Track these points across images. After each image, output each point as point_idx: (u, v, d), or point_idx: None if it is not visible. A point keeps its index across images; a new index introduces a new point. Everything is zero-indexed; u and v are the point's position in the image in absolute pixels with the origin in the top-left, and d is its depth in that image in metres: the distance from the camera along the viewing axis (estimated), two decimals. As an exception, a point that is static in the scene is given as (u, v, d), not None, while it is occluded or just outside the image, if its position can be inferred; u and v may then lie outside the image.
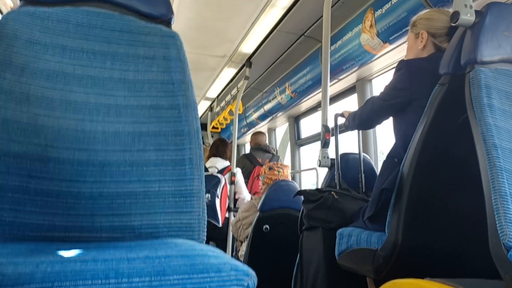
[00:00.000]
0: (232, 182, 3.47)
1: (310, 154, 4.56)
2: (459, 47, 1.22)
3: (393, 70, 1.58)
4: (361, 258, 1.49)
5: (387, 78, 2.93)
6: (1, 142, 0.81)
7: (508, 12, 1.19)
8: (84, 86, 0.93)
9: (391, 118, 1.65)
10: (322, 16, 2.31)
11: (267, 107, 4.40)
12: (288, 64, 3.70)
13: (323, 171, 2.20)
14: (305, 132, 4.55)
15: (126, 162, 0.89)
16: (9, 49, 0.89)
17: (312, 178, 4.11)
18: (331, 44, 2.64)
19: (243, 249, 2.82)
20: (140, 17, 1.04)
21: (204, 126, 5.42)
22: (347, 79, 3.16)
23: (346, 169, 1.91)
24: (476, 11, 1.19)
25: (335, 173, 1.88)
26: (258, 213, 2.63)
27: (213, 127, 5.43)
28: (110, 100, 0.93)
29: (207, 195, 3.14)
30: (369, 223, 1.54)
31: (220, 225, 3.28)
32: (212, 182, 3.24)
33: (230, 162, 3.60)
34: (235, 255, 3.19)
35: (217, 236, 3.34)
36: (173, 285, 0.54)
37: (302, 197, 1.91)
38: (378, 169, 1.99)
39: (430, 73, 1.45)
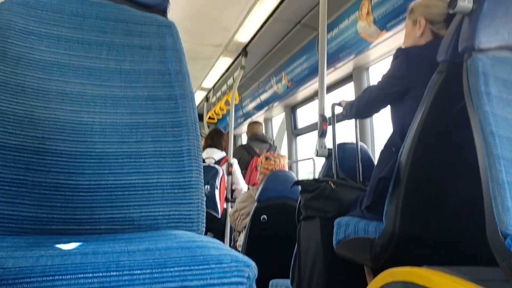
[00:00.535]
0: (229, 173, 3.47)
1: (307, 144, 4.56)
2: (456, 34, 1.21)
3: (390, 58, 1.58)
4: (359, 247, 1.50)
5: (384, 66, 2.92)
6: None
7: None
8: (80, 77, 0.92)
9: (388, 107, 1.65)
10: (318, 3, 2.30)
11: (264, 97, 4.38)
12: (284, 53, 3.68)
13: (320, 161, 2.20)
14: (302, 122, 4.54)
15: (124, 153, 0.88)
16: (3, 40, 0.88)
17: (309, 168, 4.12)
18: (328, 32, 2.62)
19: (241, 240, 2.83)
20: (135, 6, 1.02)
21: (200, 117, 5.40)
22: (344, 68, 3.15)
23: (343, 159, 1.92)
24: None
25: (333, 162, 1.88)
26: (255, 203, 2.64)
27: (210, 118, 5.42)
28: (106, 91, 0.92)
29: (206, 186, 3.15)
30: (366, 212, 1.55)
31: (220, 216, 3.29)
32: (210, 173, 3.24)
33: (226, 152, 3.60)
34: (233, 246, 3.21)
35: (215, 226, 3.35)
36: (174, 277, 0.54)
37: (299, 187, 1.91)
38: (375, 158, 2.00)
39: (428, 61, 1.45)
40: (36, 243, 0.66)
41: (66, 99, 0.89)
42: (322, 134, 2.05)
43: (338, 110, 1.94)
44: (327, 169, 1.96)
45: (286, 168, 2.94)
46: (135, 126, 0.91)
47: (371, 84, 1.73)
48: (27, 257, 0.54)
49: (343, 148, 1.98)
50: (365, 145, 2.10)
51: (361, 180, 1.87)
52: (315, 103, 4.12)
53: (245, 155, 3.90)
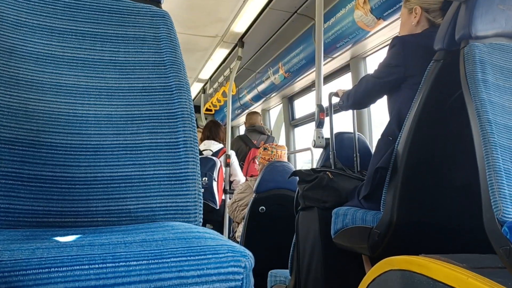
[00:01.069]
0: (227, 164, 3.47)
1: (304, 134, 4.56)
2: (453, 22, 1.21)
3: (388, 47, 1.57)
4: (357, 236, 1.51)
5: (381, 55, 2.91)
6: None
7: None
8: (74, 69, 0.91)
9: (385, 97, 1.64)
10: (315, -7, 2.28)
11: (261, 87, 4.37)
12: (281, 43, 3.66)
13: (318, 151, 2.20)
14: (299, 113, 4.54)
15: (119, 145, 0.88)
16: None
17: (307, 158, 4.12)
18: (324, 22, 2.61)
19: (239, 230, 2.84)
20: None
21: (197, 109, 5.39)
22: (341, 58, 3.14)
23: (340, 149, 1.92)
24: None
25: (330, 152, 1.88)
26: (254, 194, 2.65)
27: (207, 109, 5.40)
28: (101, 82, 0.92)
29: (204, 178, 3.15)
30: (364, 202, 1.55)
31: (218, 207, 3.30)
32: (208, 165, 3.24)
33: (224, 144, 3.59)
34: (232, 237, 3.23)
35: (214, 218, 3.36)
36: (170, 267, 0.54)
37: (297, 178, 1.91)
38: (372, 148, 2.00)
39: (425, 49, 1.44)
40: (33, 236, 0.66)
41: (61, 92, 0.88)
42: (320, 124, 2.04)
43: (336, 100, 1.94)
44: (324, 159, 1.96)
45: (285, 159, 2.94)
46: (130, 117, 0.90)
47: (371, 72, 1.73)
48: (23, 250, 0.53)
49: (340, 138, 1.98)
50: (362, 135, 2.10)
51: (358, 169, 1.87)
52: (312, 94, 4.12)
53: (243, 147, 3.89)
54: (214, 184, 3.24)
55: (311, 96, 4.20)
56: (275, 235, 2.55)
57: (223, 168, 3.43)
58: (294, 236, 1.96)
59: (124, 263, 0.52)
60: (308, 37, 3.24)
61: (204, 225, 0.88)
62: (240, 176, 3.61)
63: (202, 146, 3.54)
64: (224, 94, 4.56)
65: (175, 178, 0.88)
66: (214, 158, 3.37)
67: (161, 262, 0.54)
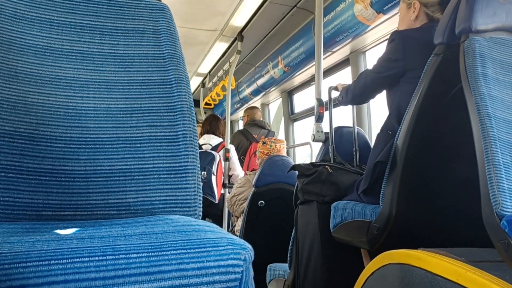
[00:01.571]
0: (226, 159, 3.47)
1: (303, 128, 4.56)
2: (453, 16, 1.20)
3: (386, 42, 1.56)
4: (356, 230, 1.51)
5: (381, 49, 2.90)
6: None
7: None
8: (73, 62, 0.91)
9: (384, 91, 1.64)
10: (314, -14, 2.26)
11: (260, 82, 4.36)
12: (281, 37, 3.64)
13: (317, 146, 2.20)
14: (298, 107, 4.53)
15: (119, 139, 0.88)
16: None
17: (306, 152, 4.12)
18: (324, 16, 2.60)
19: (239, 224, 2.85)
20: None
21: (196, 103, 5.38)
22: (341, 52, 3.13)
23: (340, 143, 1.92)
24: None
25: (329, 146, 1.88)
26: (253, 188, 2.65)
27: (206, 103, 5.40)
28: (100, 75, 0.91)
29: (203, 172, 3.15)
30: (363, 196, 1.56)
31: (217, 201, 3.31)
32: (207, 159, 3.24)
33: (223, 138, 3.59)
34: (231, 231, 3.23)
35: (213, 212, 3.37)
36: (170, 260, 0.54)
37: (296, 172, 1.92)
38: (372, 142, 2.00)
39: (424, 44, 1.44)
40: (32, 229, 0.66)
41: (60, 85, 0.88)
42: (319, 119, 2.04)
43: (335, 94, 1.94)
44: (324, 153, 1.96)
45: (284, 153, 2.94)
46: (129, 111, 0.90)
47: (369, 67, 1.73)
48: (23, 242, 0.54)
49: (340, 132, 1.98)
50: (361, 129, 2.10)
51: (358, 163, 1.88)
52: (311, 89, 4.11)
53: (243, 141, 3.88)
54: (213, 178, 3.25)
55: (310, 91, 4.20)
56: (274, 229, 2.56)
57: (222, 163, 3.44)
58: (293, 230, 1.97)
59: (124, 256, 0.52)
60: (307, 31, 3.22)
61: (203, 219, 0.88)
62: (239, 171, 3.62)
63: (201, 140, 3.54)
64: (223, 88, 4.55)
65: (175, 171, 0.88)
66: (213, 152, 3.37)
67: (161, 255, 0.54)
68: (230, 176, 3.58)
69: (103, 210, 0.83)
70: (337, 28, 2.76)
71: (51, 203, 0.81)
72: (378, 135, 1.53)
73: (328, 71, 3.51)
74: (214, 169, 3.26)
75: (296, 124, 4.58)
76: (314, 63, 2.33)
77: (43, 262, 0.49)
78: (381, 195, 1.40)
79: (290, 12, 3.23)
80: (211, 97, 5.03)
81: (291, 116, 4.55)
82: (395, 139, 1.38)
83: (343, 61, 3.33)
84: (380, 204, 1.40)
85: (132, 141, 0.88)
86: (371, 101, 1.81)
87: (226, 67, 4.36)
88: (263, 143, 2.92)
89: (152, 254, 0.54)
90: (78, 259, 0.50)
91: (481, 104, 1.02)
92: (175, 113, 0.92)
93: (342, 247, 1.68)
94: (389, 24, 2.54)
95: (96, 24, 0.95)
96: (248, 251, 0.58)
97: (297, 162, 3.59)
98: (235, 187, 3.03)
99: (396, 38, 1.50)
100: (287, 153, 4.11)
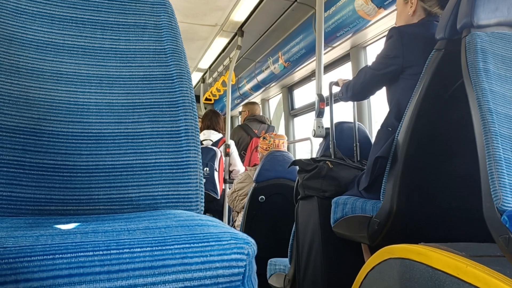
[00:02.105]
0: (226, 154, 3.47)
1: (304, 124, 4.56)
2: (455, 11, 1.20)
3: (385, 38, 1.56)
4: (356, 225, 1.52)
5: (382, 45, 2.90)
6: None
7: None
8: (74, 57, 0.90)
9: (384, 88, 1.64)
10: (315, -19, 2.26)
11: (260, 77, 4.35)
12: (281, 32, 3.64)
13: (317, 141, 2.20)
14: (298, 103, 4.53)
15: (121, 134, 0.88)
16: None
17: (307, 148, 4.13)
18: (325, 11, 2.59)
19: (239, 220, 2.86)
20: None
21: (196, 98, 5.36)
22: (341, 47, 3.13)
23: (340, 138, 1.92)
24: None
25: (330, 142, 1.88)
26: (253, 183, 2.65)
27: (206, 99, 5.39)
28: (102, 71, 0.91)
29: (205, 168, 3.16)
30: (364, 191, 1.56)
31: (219, 197, 3.31)
32: (209, 155, 3.25)
33: (224, 133, 3.59)
34: (231, 226, 3.24)
35: (214, 207, 3.37)
36: (174, 254, 0.54)
37: (297, 167, 1.92)
38: (372, 137, 2.00)
39: (423, 39, 1.43)
40: (35, 223, 0.66)
41: (61, 80, 0.88)
42: (320, 114, 2.04)
43: (336, 89, 1.93)
44: (324, 148, 1.97)
45: (285, 149, 2.95)
46: (131, 106, 0.90)
47: (368, 64, 1.73)
48: (27, 237, 0.54)
49: (340, 127, 1.98)
50: (362, 125, 2.10)
51: (358, 159, 1.88)
52: (311, 84, 4.10)
53: (244, 136, 3.88)
54: (216, 174, 3.25)
55: (310, 86, 4.19)
56: (274, 224, 2.57)
57: (223, 158, 3.44)
58: (294, 225, 1.97)
59: (128, 250, 0.53)
60: (308, 26, 3.22)
61: (204, 214, 0.88)
62: (239, 166, 3.62)
63: (202, 136, 3.54)
64: (223, 84, 4.55)
65: (177, 166, 0.88)
66: (214, 148, 3.37)
67: (165, 249, 0.54)
68: (230, 172, 3.59)
69: (105, 205, 0.84)
70: (337, 23, 2.75)
71: (53, 198, 0.81)
72: (379, 132, 1.53)
73: (329, 66, 3.51)
74: (216, 165, 3.27)
75: (296, 119, 4.58)
76: (314, 58, 2.33)
77: (48, 257, 0.49)
78: (382, 191, 1.41)
79: (291, 7, 3.22)
80: (211, 92, 5.03)
81: (291, 112, 4.55)
82: (396, 135, 1.38)
83: (344, 56, 3.32)
84: (381, 199, 1.41)
85: (134, 136, 0.88)
86: (372, 97, 1.81)
87: (226, 62, 4.35)
88: (263, 138, 2.93)
89: (156, 248, 0.54)
90: (82, 253, 0.51)
91: (482, 99, 1.02)
92: (177, 108, 0.92)
93: (342, 242, 1.68)
94: (389, 19, 2.54)
95: (98, 19, 0.95)
96: (251, 245, 0.59)
97: (297, 158, 3.59)
98: (235, 183, 3.03)
99: (394, 34, 1.50)
100: (288, 148, 4.11)
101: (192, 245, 0.55)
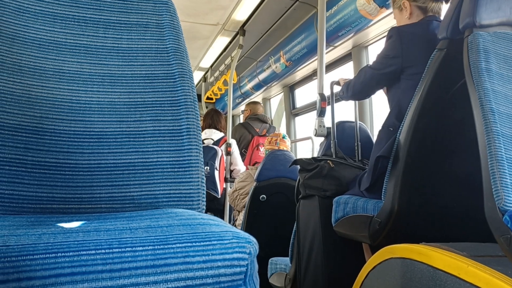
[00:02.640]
0: (228, 153, 3.47)
1: (305, 123, 4.56)
2: (457, 10, 1.20)
3: (385, 38, 1.56)
4: (357, 225, 1.52)
5: (383, 44, 2.89)
6: None
7: None
8: (77, 56, 0.91)
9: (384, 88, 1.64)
10: (317, -20, 2.26)
11: (262, 76, 4.35)
12: (283, 31, 3.63)
13: (318, 140, 2.20)
14: (300, 102, 4.52)
15: (123, 133, 0.88)
16: None
17: (308, 147, 4.13)
18: (327, 10, 2.59)
19: (240, 219, 2.86)
20: None
21: (198, 97, 5.36)
22: (343, 46, 3.12)
23: (342, 138, 1.92)
24: None
25: (331, 141, 1.88)
26: (254, 183, 2.65)
27: (208, 98, 5.39)
28: (104, 69, 0.91)
29: (206, 167, 3.15)
30: (366, 192, 1.56)
31: (219, 196, 3.31)
32: (209, 154, 3.24)
33: (225, 132, 3.59)
34: (232, 225, 3.24)
35: (215, 206, 3.37)
36: (176, 253, 0.54)
37: (298, 167, 1.92)
38: (374, 137, 2.00)
39: (423, 38, 1.43)
40: (38, 222, 0.67)
41: (63, 78, 0.88)
42: (321, 113, 2.04)
43: (337, 88, 1.93)
44: (326, 148, 1.97)
45: (288, 148, 2.94)
46: (133, 105, 0.90)
47: (369, 63, 1.73)
48: (29, 235, 0.54)
49: (342, 126, 1.98)
50: (364, 124, 2.10)
51: (359, 158, 1.88)
52: (312, 84, 4.10)
53: (246, 134, 3.88)
54: (216, 173, 3.25)
55: (312, 85, 4.19)
56: (275, 223, 2.57)
57: (224, 157, 3.44)
58: (295, 225, 1.97)
59: (130, 249, 0.53)
60: (310, 25, 3.21)
61: (205, 213, 0.89)
62: (240, 165, 3.62)
63: (203, 135, 3.53)
64: (225, 83, 4.54)
65: (178, 165, 0.88)
66: (215, 147, 3.36)
67: (167, 248, 0.54)
68: (231, 171, 3.59)
69: (107, 204, 0.84)
70: (339, 22, 2.75)
71: (55, 196, 0.81)
72: (380, 132, 1.53)
73: (330, 66, 3.50)
74: (216, 164, 3.27)
75: (297, 119, 4.58)
76: (316, 57, 2.33)
77: (50, 255, 0.50)
78: (383, 190, 1.41)
79: (292, 6, 3.22)
80: (212, 91, 5.03)
81: (292, 111, 4.54)
82: (398, 134, 1.38)
83: (345, 55, 3.32)
84: (382, 198, 1.41)
85: (136, 135, 0.88)
86: (373, 96, 1.81)
87: (228, 61, 4.35)
88: (270, 142, 2.93)
89: (158, 247, 0.54)
90: (84, 252, 0.51)
91: (484, 99, 1.02)
92: (179, 107, 0.92)
93: (343, 241, 1.68)
94: (391, 18, 2.53)
95: (100, 18, 0.95)
96: (253, 244, 0.59)
97: (298, 157, 3.59)
98: (236, 182, 3.03)
99: (394, 34, 1.50)
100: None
101: (194, 244, 0.55)
